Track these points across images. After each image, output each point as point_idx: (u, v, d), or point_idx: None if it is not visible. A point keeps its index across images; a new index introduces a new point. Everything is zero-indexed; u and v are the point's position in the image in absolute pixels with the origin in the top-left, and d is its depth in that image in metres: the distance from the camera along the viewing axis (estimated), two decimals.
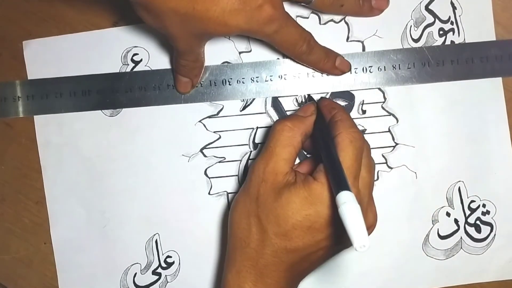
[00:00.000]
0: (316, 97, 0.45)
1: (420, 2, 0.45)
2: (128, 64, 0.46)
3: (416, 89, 0.45)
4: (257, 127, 0.46)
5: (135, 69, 0.46)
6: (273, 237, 0.35)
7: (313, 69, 0.45)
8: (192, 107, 0.46)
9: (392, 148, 0.46)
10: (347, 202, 0.29)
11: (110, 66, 0.46)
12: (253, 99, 0.46)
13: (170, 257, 0.46)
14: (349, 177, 0.34)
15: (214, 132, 0.46)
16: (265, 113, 0.46)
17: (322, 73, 0.45)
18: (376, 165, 0.45)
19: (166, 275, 0.46)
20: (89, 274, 0.46)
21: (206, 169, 0.46)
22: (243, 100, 0.46)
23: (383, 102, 0.46)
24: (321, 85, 0.45)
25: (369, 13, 0.45)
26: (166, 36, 0.39)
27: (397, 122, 0.45)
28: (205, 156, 0.46)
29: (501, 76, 0.45)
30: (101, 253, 0.46)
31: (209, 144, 0.46)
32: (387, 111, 0.46)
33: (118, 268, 0.46)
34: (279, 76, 0.45)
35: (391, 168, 0.46)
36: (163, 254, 0.46)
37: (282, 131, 0.37)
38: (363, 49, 0.45)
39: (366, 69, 0.45)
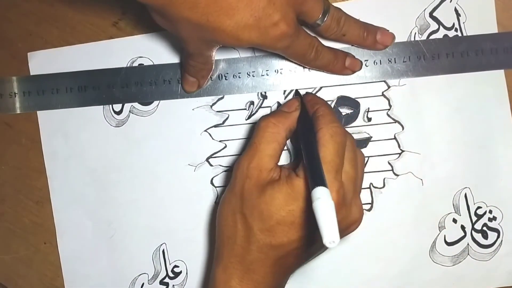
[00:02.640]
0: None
1: (424, 9, 0.45)
2: None
3: (421, 96, 0.45)
4: None
5: None
6: (258, 233, 0.36)
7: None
8: (197, 116, 0.46)
9: (398, 155, 0.46)
10: (321, 198, 0.29)
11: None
12: (258, 108, 0.46)
13: (178, 266, 0.46)
14: (330, 172, 0.34)
15: (220, 141, 0.46)
16: None
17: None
18: (382, 172, 0.45)
19: (173, 285, 0.46)
20: (96, 285, 0.46)
21: (212, 178, 0.46)
22: (248, 108, 0.46)
23: (388, 109, 0.46)
24: (317, 79, 0.45)
25: (373, 47, 0.44)
26: (177, 38, 0.39)
27: (403, 129, 0.46)
28: (211, 165, 0.46)
29: (496, 69, 0.45)
30: (108, 263, 0.46)
31: (215, 153, 0.46)
32: (393, 119, 0.46)
33: (125, 278, 0.46)
34: (275, 71, 0.45)
35: (397, 175, 0.46)
36: (170, 264, 0.46)
37: (266, 128, 0.37)
38: None
39: (361, 62, 0.45)
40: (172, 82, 0.46)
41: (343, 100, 0.46)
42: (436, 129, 0.46)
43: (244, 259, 0.36)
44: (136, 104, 0.46)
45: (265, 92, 0.46)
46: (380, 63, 0.45)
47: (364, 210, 0.45)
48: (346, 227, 0.37)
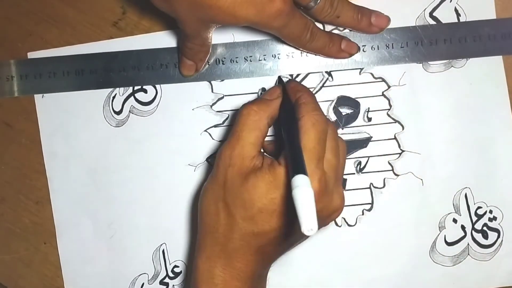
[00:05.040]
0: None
1: (425, 9, 0.45)
2: None
3: (421, 96, 0.45)
4: None
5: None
6: (240, 221, 0.36)
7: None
8: (197, 116, 0.46)
9: (398, 155, 0.46)
10: (300, 186, 0.29)
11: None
12: None
13: (178, 266, 0.46)
14: (311, 160, 0.34)
15: (220, 141, 0.46)
16: None
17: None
18: (382, 172, 0.45)
19: (173, 285, 0.46)
20: (96, 285, 0.46)
21: None
22: None
23: (389, 109, 0.46)
24: (314, 64, 0.45)
25: (367, 30, 0.44)
26: (174, 19, 0.39)
27: (403, 129, 0.45)
28: (211, 165, 0.46)
29: (493, 55, 0.45)
30: (108, 263, 0.46)
31: (215, 153, 0.46)
32: (393, 119, 0.46)
33: (125, 278, 0.46)
34: (272, 56, 0.45)
35: (398, 175, 0.46)
36: (170, 264, 0.46)
37: (248, 115, 0.37)
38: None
39: (359, 48, 0.45)
40: (169, 66, 0.46)
41: (343, 100, 0.46)
42: (436, 129, 0.46)
43: (226, 247, 0.36)
44: (136, 104, 0.46)
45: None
46: (378, 49, 0.45)
47: (364, 210, 0.45)
48: (328, 215, 0.37)
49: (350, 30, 0.45)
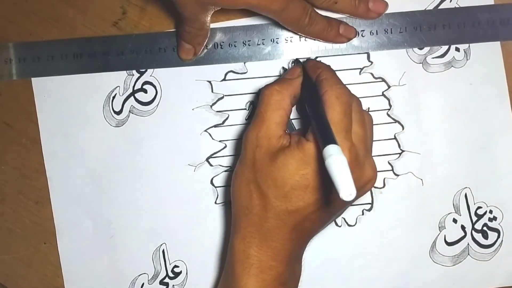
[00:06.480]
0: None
1: (425, 8, 0.45)
2: (133, 75, 0.46)
3: (421, 96, 0.45)
4: None
5: (140, 79, 0.46)
6: (274, 200, 0.36)
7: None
8: (197, 116, 0.46)
9: (398, 155, 0.46)
10: (333, 155, 0.29)
11: (115, 76, 0.46)
12: None
13: (178, 266, 0.46)
14: (339, 132, 0.34)
15: (220, 141, 0.46)
16: None
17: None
18: (382, 172, 0.45)
19: (173, 285, 0.46)
20: (96, 285, 0.46)
21: (212, 178, 0.46)
22: (248, 108, 0.46)
23: (388, 109, 0.46)
24: (313, 48, 0.45)
25: (365, 15, 0.44)
26: (172, 2, 0.39)
27: (403, 129, 0.45)
28: (211, 165, 0.46)
29: (492, 41, 0.45)
30: (108, 263, 0.46)
31: (215, 153, 0.46)
32: (393, 119, 0.46)
33: (125, 278, 0.46)
34: (271, 40, 0.45)
35: (398, 175, 0.46)
36: (170, 264, 0.46)
37: (271, 95, 0.37)
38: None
39: (358, 33, 0.45)
40: (167, 50, 0.46)
41: None
42: (436, 129, 0.46)
43: (261, 228, 0.36)
44: (136, 104, 0.46)
45: None
46: (377, 34, 0.45)
47: (364, 210, 0.45)
48: (361, 187, 0.37)
49: (344, 14, 0.45)
